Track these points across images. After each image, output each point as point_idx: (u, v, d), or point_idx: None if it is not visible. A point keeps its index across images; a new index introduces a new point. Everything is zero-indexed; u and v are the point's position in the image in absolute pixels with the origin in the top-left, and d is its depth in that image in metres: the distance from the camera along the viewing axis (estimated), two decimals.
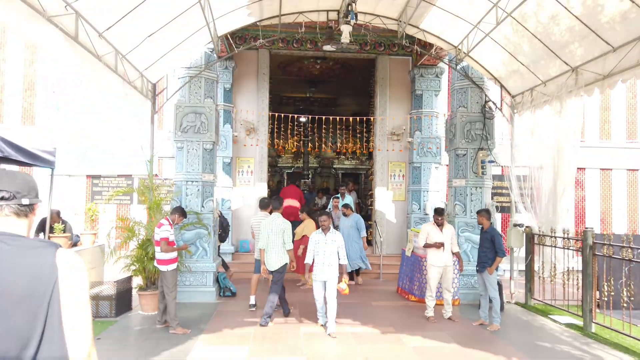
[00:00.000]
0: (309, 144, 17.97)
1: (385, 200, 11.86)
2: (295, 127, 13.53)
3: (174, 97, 8.50)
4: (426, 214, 11.15)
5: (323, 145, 16.10)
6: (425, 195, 11.44)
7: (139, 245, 7.13)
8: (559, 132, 7.18)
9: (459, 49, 8.44)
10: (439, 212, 7.18)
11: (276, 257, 6.57)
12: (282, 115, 11.37)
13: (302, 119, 16.44)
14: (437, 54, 10.42)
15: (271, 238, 6.59)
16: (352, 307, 7.69)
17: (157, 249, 6.16)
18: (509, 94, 8.81)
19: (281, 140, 12.55)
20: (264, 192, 11.54)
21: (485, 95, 8.90)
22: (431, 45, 9.75)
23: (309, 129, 17.67)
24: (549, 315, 7.35)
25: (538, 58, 7.38)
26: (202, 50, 8.34)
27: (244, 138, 11.57)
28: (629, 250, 5.88)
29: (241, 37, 11.15)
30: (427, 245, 7.11)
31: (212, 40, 7.82)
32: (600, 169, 12.22)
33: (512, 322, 7.11)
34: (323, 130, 13.15)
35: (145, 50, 7.01)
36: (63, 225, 6.94)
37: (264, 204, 7.63)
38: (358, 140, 14.44)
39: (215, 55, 8.47)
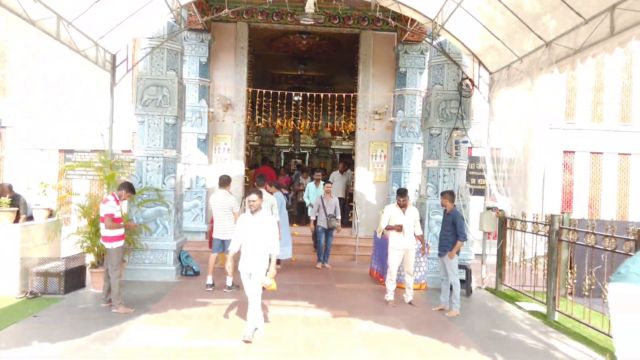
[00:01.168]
0: (294, 122, 17.50)
1: (366, 181, 11.55)
2: (284, 105, 13.14)
3: (135, 69, 8.19)
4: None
5: (315, 125, 15.71)
6: (406, 176, 11.12)
7: (90, 222, 6.93)
8: (529, 112, 6.79)
9: (435, 22, 8.01)
10: (401, 193, 6.88)
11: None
12: (264, 91, 11.00)
13: (297, 98, 16.00)
14: (420, 28, 9.96)
15: None
16: (313, 289, 7.48)
17: (102, 225, 5.94)
18: (488, 70, 8.38)
19: (260, 117, 12.12)
20: (241, 170, 11.29)
21: (462, 72, 8.48)
22: (414, 19, 9.30)
23: (299, 107, 17.26)
24: (516, 302, 7.08)
25: (512, 32, 6.94)
26: (165, 20, 7.99)
27: (220, 114, 11.25)
28: (592, 236, 5.56)
29: (219, 9, 10.73)
30: (388, 228, 6.83)
31: (171, 11, 7.47)
32: (591, 152, 11.77)
33: (475, 308, 6.86)
34: (313, 109, 12.79)
35: (96, 17, 6.67)
36: (9, 200, 6.73)
37: (223, 182, 7.39)
38: (344, 119, 14.04)
39: (178, 25, 8.10)
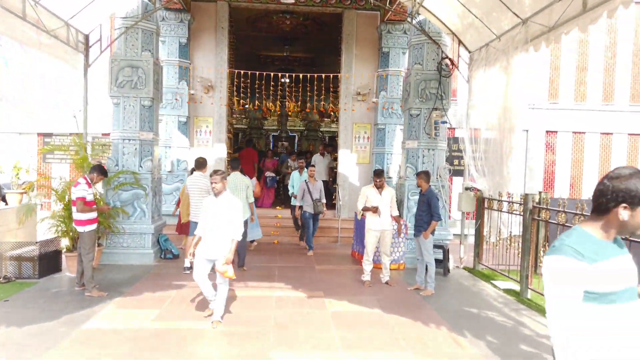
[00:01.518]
0: (280, 104, 17.32)
1: (349, 162, 11.52)
2: (270, 87, 12.97)
3: (109, 49, 8.04)
4: (389, 177, 10.82)
5: (301, 106, 15.56)
6: (389, 157, 11.11)
7: (65, 206, 6.86)
8: (506, 91, 6.75)
9: (414, 0, 7.90)
10: (377, 173, 6.86)
11: (242, 211, 6.98)
12: (242, 72, 10.86)
13: (285, 80, 15.80)
14: (402, 7, 9.83)
15: (235, 194, 6.94)
16: (292, 270, 7.50)
17: (74, 209, 5.89)
18: (467, 49, 8.31)
19: (239, 99, 11.95)
20: (223, 152, 11.20)
21: (442, 51, 8.40)
22: None
23: (285, 88, 17.10)
24: (492, 281, 7.15)
25: (490, 10, 6.86)
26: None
27: (201, 96, 11.12)
28: (563, 214, 5.59)
29: None
30: (365, 209, 6.83)
31: None
32: (573, 132, 11.81)
33: (451, 287, 6.91)
34: (293, 90, 12.65)
35: None
36: None
37: (198, 164, 7.33)
38: (330, 100, 13.93)
39: (152, 4, 7.93)
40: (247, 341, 4.50)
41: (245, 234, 7.56)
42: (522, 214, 6.56)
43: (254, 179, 9.13)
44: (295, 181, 10.24)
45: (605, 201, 1.96)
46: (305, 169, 10.22)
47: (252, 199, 7.55)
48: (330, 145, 14.97)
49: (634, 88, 11.83)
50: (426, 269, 6.51)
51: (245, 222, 7.43)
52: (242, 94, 11.41)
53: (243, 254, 7.55)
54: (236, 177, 7.45)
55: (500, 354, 4.40)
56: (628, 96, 11.82)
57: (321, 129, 22.24)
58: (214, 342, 4.47)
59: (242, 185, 7.38)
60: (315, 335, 4.72)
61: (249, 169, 10.75)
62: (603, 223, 1.98)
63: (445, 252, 7.57)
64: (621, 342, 1.93)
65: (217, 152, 11.09)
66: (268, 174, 12.81)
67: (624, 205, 1.91)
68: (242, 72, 10.69)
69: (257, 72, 10.60)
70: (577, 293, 1.88)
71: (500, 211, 7.21)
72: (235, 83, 11.12)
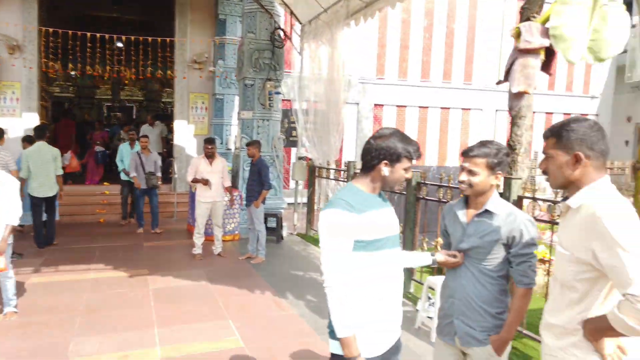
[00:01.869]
0: (104, 69, 15.67)
1: (186, 134, 11.03)
2: (96, 52, 11.50)
3: None
4: (228, 149, 10.64)
5: (134, 74, 14.22)
6: (227, 129, 10.89)
7: None
8: (331, 64, 7.04)
9: None
10: (208, 141, 6.71)
11: (50, 185, 6.75)
12: (51, 30, 9.46)
13: (117, 44, 14.15)
14: None
15: (43, 167, 6.61)
16: (115, 250, 6.95)
17: None
18: (299, 21, 8.43)
19: (48, 61, 10.27)
20: (34, 122, 9.71)
21: (275, 21, 8.39)
22: None
23: (110, 53, 15.45)
24: None
25: None
26: None
27: (6, 58, 9.47)
28: None
29: None
30: (194, 181, 6.60)
31: None
32: (397, 105, 12.94)
33: (282, 253, 7.12)
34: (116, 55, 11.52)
35: None
36: None
37: None
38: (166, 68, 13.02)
39: None
40: (46, 331, 4.02)
41: (54, 209, 7.06)
42: (346, 180, 6.99)
43: (69, 152, 8.20)
44: (125, 155, 9.33)
45: (370, 158, 2.08)
46: (137, 141, 9.42)
47: (60, 172, 6.93)
48: (169, 117, 14.13)
49: (446, 67, 13.39)
50: (258, 237, 6.58)
51: (56, 197, 6.94)
52: (54, 56, 9.97)
53: (52, 229, 7.12)
54: (41, 147, 6.69)
55: (318, 311, 4.67)
56: (441, 74, 13.34)
57: (163, 100, 20.92)
58: (4, 336, 3.90)
59: (49, 157, 6.70)
60: (129, 315, 4.42)
61: (67, 143, 9.57)
62: (369, 179, 2.11)
63: (279, 220, 7.76)
64: (388, 286, 2.10)
65: (28, 122, 9.62)
66: (98, 148, 11.59)
67: (385, 162, 2.05)
68: (53, 30, 9.31)
69: (71, 32, 9.31)
70: (351, 245, 1.99)
71: (328, 178, 7.59)
72: (49, 44, 9.65)
